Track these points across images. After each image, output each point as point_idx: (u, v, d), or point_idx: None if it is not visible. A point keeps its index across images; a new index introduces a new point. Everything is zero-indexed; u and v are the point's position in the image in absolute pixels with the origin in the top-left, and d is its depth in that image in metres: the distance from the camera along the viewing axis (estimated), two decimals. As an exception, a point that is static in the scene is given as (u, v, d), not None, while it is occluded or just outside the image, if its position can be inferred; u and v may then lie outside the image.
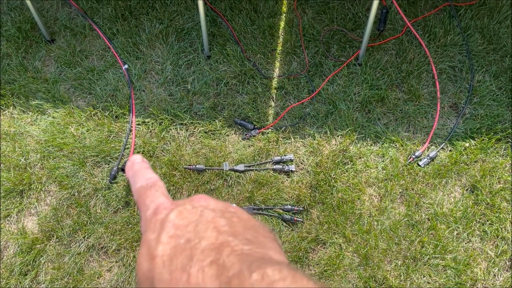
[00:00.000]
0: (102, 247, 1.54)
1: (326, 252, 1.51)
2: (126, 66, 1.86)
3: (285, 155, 1.65)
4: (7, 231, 1.56)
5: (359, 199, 1.59)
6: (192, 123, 1.74)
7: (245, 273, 0.24)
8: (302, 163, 1.66)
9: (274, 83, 1.83)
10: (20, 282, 1.48)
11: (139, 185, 0.37)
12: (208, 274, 0.25)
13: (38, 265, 1.51)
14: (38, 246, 1.53)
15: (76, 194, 1.61)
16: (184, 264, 0.26)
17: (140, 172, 0.39)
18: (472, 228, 1.54)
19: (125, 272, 1.49)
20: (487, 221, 1.55)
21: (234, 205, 0.34)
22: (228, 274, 0.24)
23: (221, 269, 0.25)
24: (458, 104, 1.79)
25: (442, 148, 1.68)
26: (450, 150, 1.68)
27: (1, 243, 1.55)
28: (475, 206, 1.57)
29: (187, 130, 1.73)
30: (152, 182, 0.37)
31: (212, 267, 0.25)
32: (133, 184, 0.38)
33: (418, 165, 1.64)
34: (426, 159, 1.64)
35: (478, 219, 1.55)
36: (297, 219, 1.54)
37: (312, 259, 1.51)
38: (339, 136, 1.70)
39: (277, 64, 1.89)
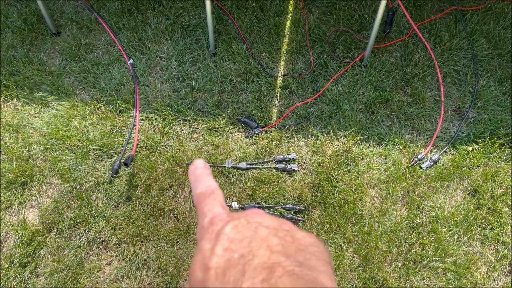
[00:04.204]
0: (102, 241, 1.54)
1: (326, 252, 1.51)
2: (131, 61, 1.86)
3: (287, 154, 1.65)
4: (7, 222, 1.56)
5: (360, 200, 1.59)
6: (195, 119, 1.74)
7: None
8: (304, 163, 1.66)
9: (279, 82, 1.83)
10: (19, 274, 1.48)
11: (199, 191, 0.39)
12: None
13: (38, 257, 1.51)
14: (38, 238, 1.53)
15: (78, 187, 1.61)
16: (236, 279, 0.27)
17: (202, 177, 0.40)
18: (473, 232, 1.54)
19: (125, 266, 1.49)
20: (488, 225, 1.55)
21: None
22: None
23: None
24: (462, 108, 1.79)
25: (445, 151, 1.68)
26: (453, 154, 1.68)
27: (2, 234, 1.55)
28: (477, 210, 1.57)
29: (190, 127, 1.73)
30: (211, 190, 0.38)
31: (264, 286, 0.26)
32: (193, 189, 0.40)
33: (421, 167, 1.64)
34: (428, 162, 1.64)
35: (479, 223, 1.55)
36: (298, 218, 1.54)
37: (312, 259, 1.50)
38: (342, 137, 1.70)
39: (282, 63, 1.89)
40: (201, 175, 0.40)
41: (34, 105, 1.78)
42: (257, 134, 1.70)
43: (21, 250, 1.51)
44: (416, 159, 1.64)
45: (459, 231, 1.53)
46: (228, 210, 0.36)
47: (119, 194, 1.60)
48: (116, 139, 1.69)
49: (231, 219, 0.33)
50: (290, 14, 2.01)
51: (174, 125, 1.73)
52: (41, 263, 1.50)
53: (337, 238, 1.52)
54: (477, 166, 1.65)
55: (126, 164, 1.56)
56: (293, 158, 1.64)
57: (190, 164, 1.60)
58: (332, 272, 0.30)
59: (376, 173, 1.64)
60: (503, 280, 1.47)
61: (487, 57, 1.87)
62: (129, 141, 1.68)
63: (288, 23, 1.98)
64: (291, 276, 0.26)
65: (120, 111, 1.77)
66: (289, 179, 1.63)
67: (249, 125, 1.72)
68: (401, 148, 1.69)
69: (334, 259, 1.49)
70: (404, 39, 1.91)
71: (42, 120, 1.74)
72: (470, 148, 1.68)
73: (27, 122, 1.74)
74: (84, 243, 1.53)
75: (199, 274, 0.29)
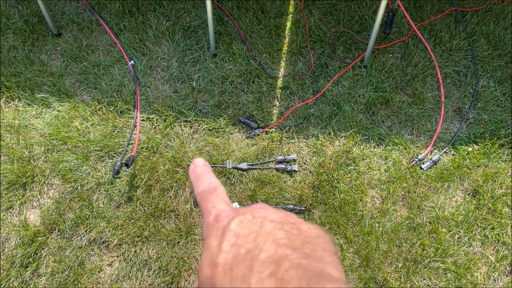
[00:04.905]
0: (103, 242, 1.54)
1: (327, 253, 1.51)
2: (132, 62, 1.87)
3: (288, 155, 1.65)
4: (9, 223, 1.57)
5: (361, 200, 1.59)
6: (196, 120, 1.74)
7: None
8: (305, 163, 1.67)
9: (279, 82, 1.84)
10: (20, 274, 1.48)
11: (201, 189, 0.39)
12: (266, 286, 0.26)
13: (39, 257, 1.51)
14: (39, 238, 1.53)
15: (79, 188, 1.61)
16: (244, 274, 0.27)
17: (202, 176, 0.40)
18: (473, 232, 1.54)
19: (126, 267, 1.50)
20: (488, 225, 1.55)
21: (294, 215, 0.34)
22: (287, 287, 0.25)
23: (280, 282, 0.26)
24: (462, 109, 1.79)
25: (445, 152, 1.69)
26: (453, 154, 1.69)
27: (3, 235, 1.55)
28: (477, 211, 1.57)
29: (191, 127, 1.73)
30: (213, 187, 0.38)
31: (271, 280, 0.26)
32: (195, 187, 0.40)
33: (421, 168, 1.64)
34: (428, 163, 1.64)
35: (479, 224, 1.55)
36: (299, 218, 1.54)
37: (313, 259, 1.51)
38: (343, 137, 1.71)
39: (283, 64, 1.89)
40: (201, 173, 0.40)
41: (35, 106, 1.79)
42: (258, 134, 1.71)
43: (23, 250, 1.51)
44: (417, 159, 1.64)
45: (460, 231, 1.54)
46: (231, 205, 0.36)
47: (120, 194, 1.60)
48: (117, 140, 1.70)
49: (236, 214, 0.33)
50: (291, 15, 2.01)
51: (175, 126, 1.73)
52: (43, 263, 1.51)
53: (337, 239, 1.53)
54: (477, 166, 1.66)
55: (127, 165, 1.56)
56: (293, 159, 1.65)
57: (190, 164, 1.60)
58: (339, 262, 0.30)
59: (376, 173, 1.64)
60: (503, 280, 1.48)
61: (487, 58, 1.88)
62: (130, 142, 1.68)
63: (288, 24, 1.99)
64: (298, 269, 0.26)
65: (121, 112, 1.77)
66: (289, 179, 1.63)
67: (249, 125, 1.72)
68: (401, 148, 1.69)
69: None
70: (404, 40, 1.91)
71: (43, 121, 1.74)
72: (470, 149, 1.68)
73: (28, 123, 1.74)
74: (85, 243, 1.53)
75: (207, 271, 0.29)
